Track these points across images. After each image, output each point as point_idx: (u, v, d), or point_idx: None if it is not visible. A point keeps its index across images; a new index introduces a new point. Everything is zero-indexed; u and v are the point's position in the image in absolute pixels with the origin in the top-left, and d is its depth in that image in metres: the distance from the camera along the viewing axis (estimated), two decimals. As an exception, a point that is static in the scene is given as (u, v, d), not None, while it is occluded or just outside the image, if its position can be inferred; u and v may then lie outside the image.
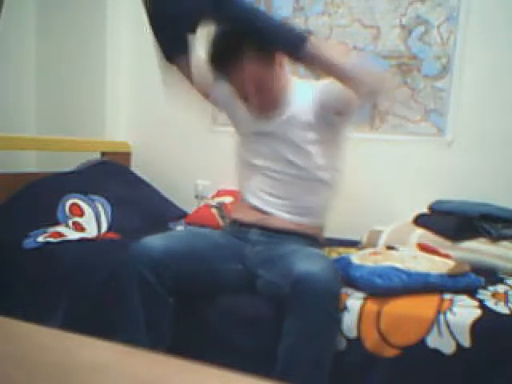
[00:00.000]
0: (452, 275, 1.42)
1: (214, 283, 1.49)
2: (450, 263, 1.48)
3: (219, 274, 1.49)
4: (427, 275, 1.40)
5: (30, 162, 2.77)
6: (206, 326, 1.49)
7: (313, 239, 1.60)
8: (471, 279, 1.46)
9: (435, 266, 1.45)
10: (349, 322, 1.36)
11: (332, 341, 1.31)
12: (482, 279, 1.48)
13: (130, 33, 2.75)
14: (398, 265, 1.42)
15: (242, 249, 1.54)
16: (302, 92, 1.56)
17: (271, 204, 1.57)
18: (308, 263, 1.28)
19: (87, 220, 2.07)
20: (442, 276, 1.42)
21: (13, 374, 0.53)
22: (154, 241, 1.38)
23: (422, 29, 2.20)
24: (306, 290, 1.23)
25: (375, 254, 1.53)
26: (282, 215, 1.56)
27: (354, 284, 1.42)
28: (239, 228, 1.60)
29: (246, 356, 1.41)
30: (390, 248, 1.63)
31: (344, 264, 1.49)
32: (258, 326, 1.42)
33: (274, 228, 1.55)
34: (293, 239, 1.54)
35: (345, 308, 1.37)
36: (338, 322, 1.33)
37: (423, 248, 1.64)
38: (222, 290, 1.49)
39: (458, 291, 1.41)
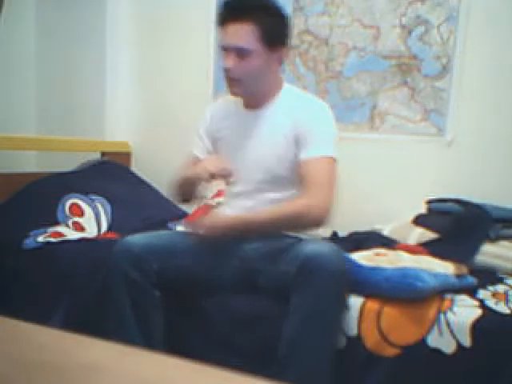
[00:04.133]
0: (460, 277, 1.43)
1: (209, 280, 1.49)
2: (450, 265, 1.47)
3: (214, 270, 1.49)
4: (447, 276, 1.40)
5: (30, 162, 2.76)
6: (206, 325, 1.49)
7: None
8: (469, 280, 1.48)
9: (439, 267, 1.45)
10: (349, 320, 1.36)
11: (339, 321, 1.31)
12: (475, 279, 1.49)
13: (130, 33, 2.75)
14: (417, 266, 1.40)
15: (238, 246, 1.54)
16: (289, 105, 1.55)
17: None
18: (315, 245, 1.31)
19: (87, 220, 2.06)
20: (457, 278, 1.43)
21: (12, 374, 0.53)
22: (134, 238, 1.42)
23: (422, 29, 2.20)
24: (314, 268, 1.24)
25: (378, 254, 1.51)
26: None
27: (377, 288, 1.37)
28: None
29: (246, 355, 1.41)
30: (390, 248, 1.63)
31: (350, 266, 1.41)
32: (258, 324, 1.42)
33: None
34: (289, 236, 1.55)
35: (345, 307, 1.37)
36: (344, 301, 1.33)
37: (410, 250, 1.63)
38: (220, 286, 1.49)
39: (457, 291, 1.42)
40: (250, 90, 1.51)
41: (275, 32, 1.47)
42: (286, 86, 1.59)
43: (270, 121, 1.53)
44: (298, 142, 1.47)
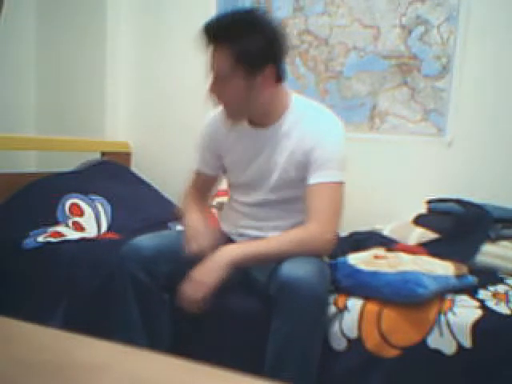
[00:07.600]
0: (460, 277, 1.43)
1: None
2: (450, 265, 1.47)
3: None
4: (447, 278, 1.40)
5: (30, 162, 2.76)
6: (205, 325, 1.49)
7: None
8: (469, 279, 1.48)
9: (440, 268, 1.44)
10: (349, 322, 1.36)
11: (317, 344, 1.31)
12: (475, 279, 1.49)
13: (129, 32, 2.75)
14: (417, 268, 1.39)
15: None
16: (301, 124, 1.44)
17: (262, 228, 1.56)
18: (295, 266, 1.27)
19: (87, 220, 2.06)
20: (457, 278, 1.42)
21: (12, 374, 0.53)
22: (144, 240, 1.40)
23: (422, 29, 2.20)
24: (291, 294, 1.23)
25: (378, 257, 1.50)
26: (273, 231, 1.53)
27: (378, 293, 1.37)
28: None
29: (245, 354, 1.41)
30: (389, 249, 1.62)
31: (350, 271, 1.43)
32: (256, 324, 1.42)
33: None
34: None
35: (345, 308, 1.37)
36: (322, 325, 1.33)
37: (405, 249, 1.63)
38: (221, 287, 1.48)
39: (457, 291, 1.41)
40: (236, 116, 1.43)
41: (255, 52, 1.32)
42: (295, 100, 1.47)
43: (277, 143, 1.45)
44: (307, 167, 1.42)
